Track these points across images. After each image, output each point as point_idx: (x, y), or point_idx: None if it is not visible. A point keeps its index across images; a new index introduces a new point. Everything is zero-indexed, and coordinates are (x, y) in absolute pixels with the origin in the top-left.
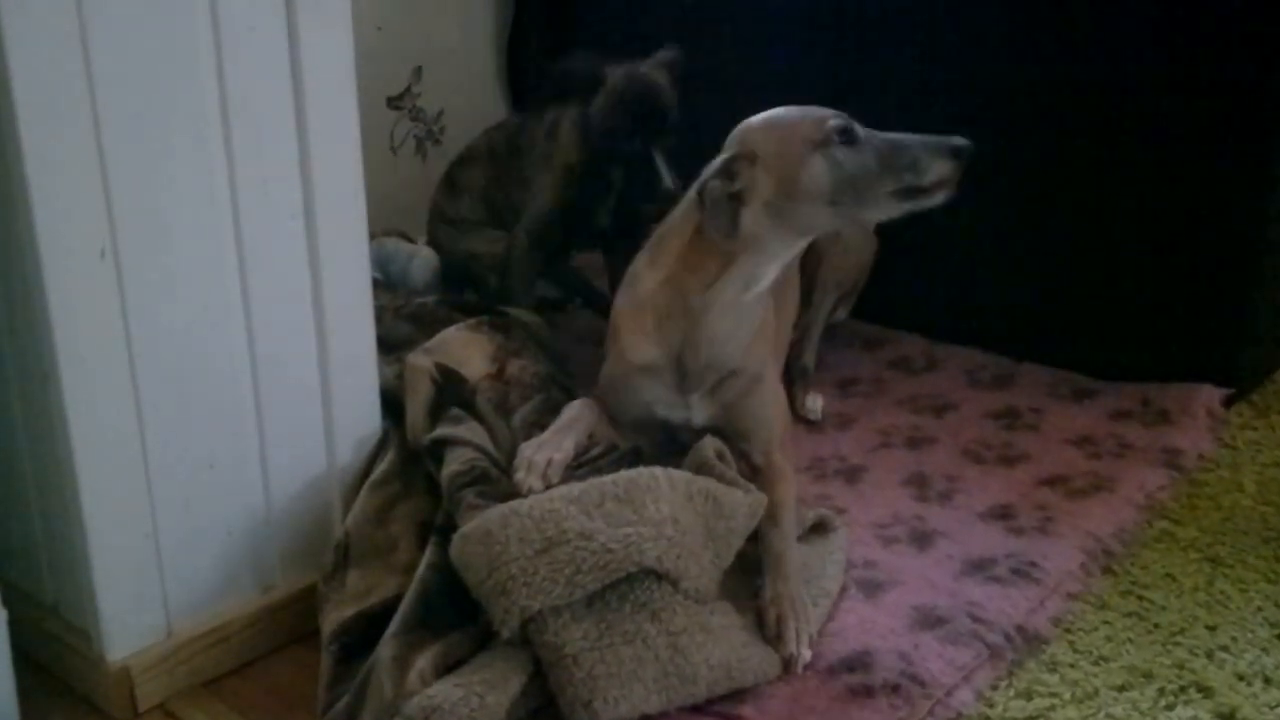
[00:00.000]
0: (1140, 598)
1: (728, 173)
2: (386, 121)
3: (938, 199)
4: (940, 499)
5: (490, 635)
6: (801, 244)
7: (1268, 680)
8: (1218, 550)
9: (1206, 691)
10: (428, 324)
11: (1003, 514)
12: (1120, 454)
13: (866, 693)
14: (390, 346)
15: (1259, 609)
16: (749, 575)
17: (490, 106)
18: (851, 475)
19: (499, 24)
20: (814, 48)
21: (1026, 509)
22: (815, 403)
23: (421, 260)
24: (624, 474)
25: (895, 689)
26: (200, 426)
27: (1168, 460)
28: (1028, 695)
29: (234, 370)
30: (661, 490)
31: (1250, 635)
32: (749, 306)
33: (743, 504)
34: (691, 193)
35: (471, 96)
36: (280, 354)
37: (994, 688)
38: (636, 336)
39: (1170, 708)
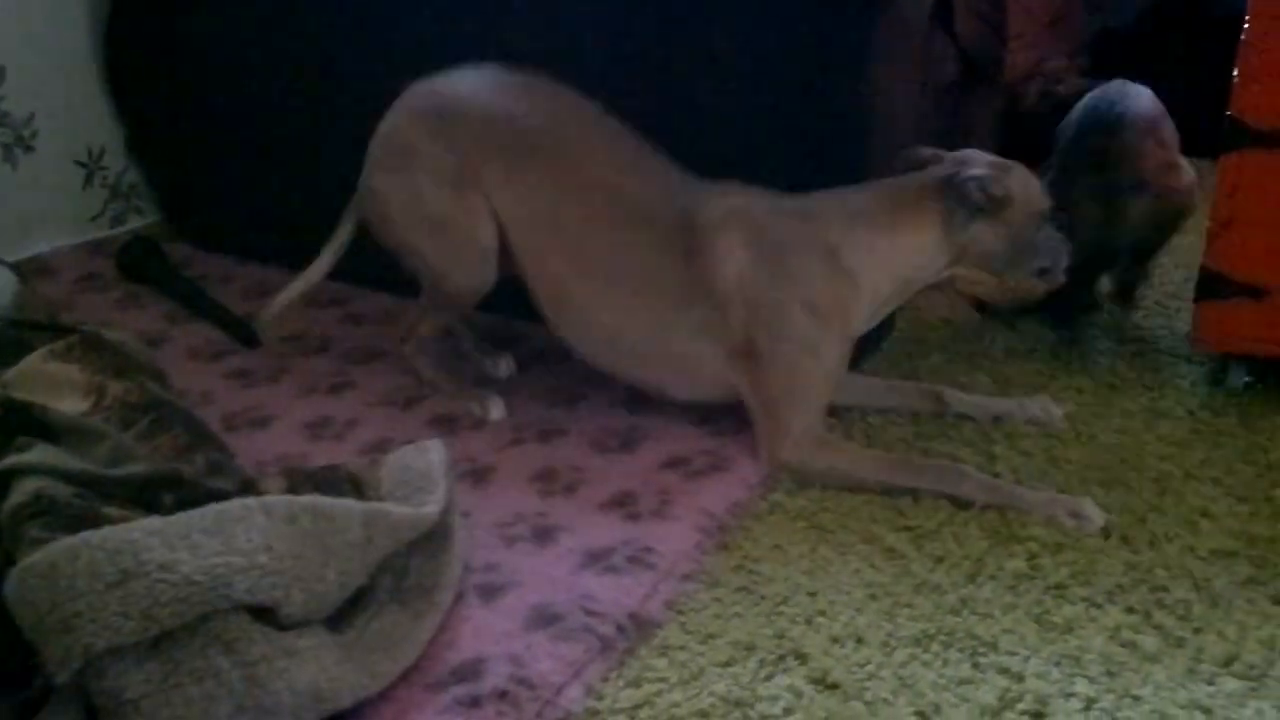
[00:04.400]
0: (750, 571)
1: (988, 183)
2: None
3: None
4: (565, 492)
5: (43, 698)
6: (975, 273)
7: (860, 640)
8: (823, 518)
9: (802, 658)
10: None
11: (622, 501)
12: (740, 431)
13: (474, 703)
14: None
15: (856, 571)
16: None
17: (90, 106)
18: (479, 476)
19: (94, 14)
20: None
21: (648, 494)
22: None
23: None
24: (213, 507)
25: (503, 695)
26: None
27: None
28: (637, 683)
29: None
30: (254, 519)
31: (846, 598)
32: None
33: (357, 513)
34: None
35: (68, 96)
36: None
37: (605, 680)
38: (858, 307)
39: (769, 678)
